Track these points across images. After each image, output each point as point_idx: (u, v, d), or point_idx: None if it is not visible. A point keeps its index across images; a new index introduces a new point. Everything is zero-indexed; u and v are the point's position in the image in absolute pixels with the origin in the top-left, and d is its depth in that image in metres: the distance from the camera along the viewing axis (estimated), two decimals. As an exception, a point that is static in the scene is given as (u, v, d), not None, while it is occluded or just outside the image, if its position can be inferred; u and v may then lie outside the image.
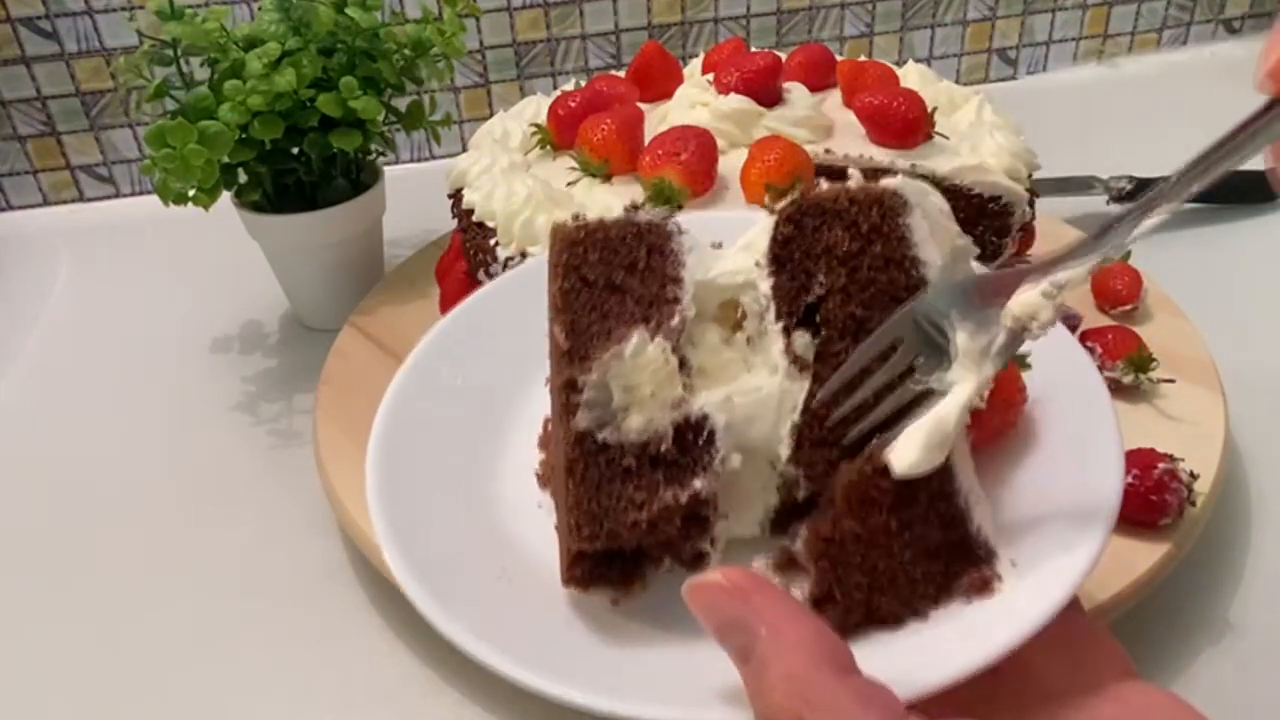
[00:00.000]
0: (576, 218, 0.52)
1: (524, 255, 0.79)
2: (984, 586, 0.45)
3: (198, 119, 0.81)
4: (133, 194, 1.30)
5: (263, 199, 0.92)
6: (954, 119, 0.88)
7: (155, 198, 0.85)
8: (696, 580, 0.40)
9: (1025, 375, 0.55)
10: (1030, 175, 0.87)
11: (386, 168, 0.99)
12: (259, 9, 0.88)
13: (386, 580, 0.64)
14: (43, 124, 1.23)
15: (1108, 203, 1.11)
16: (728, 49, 0.96)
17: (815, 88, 0.90)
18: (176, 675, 0.68)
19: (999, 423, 0.53)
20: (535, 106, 0.93)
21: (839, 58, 0.94)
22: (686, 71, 0.96)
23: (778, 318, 0.49)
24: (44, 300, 1.11)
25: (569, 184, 0.81)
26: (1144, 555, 0.64)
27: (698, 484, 0.45)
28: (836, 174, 0.79)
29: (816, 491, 0.48)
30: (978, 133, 0.86)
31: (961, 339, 0.45)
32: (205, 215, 0.87)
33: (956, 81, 1.17)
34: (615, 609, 0.47)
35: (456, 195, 0.88)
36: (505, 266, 0.80)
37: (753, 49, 0.94)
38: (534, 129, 0.88)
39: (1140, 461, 0.65)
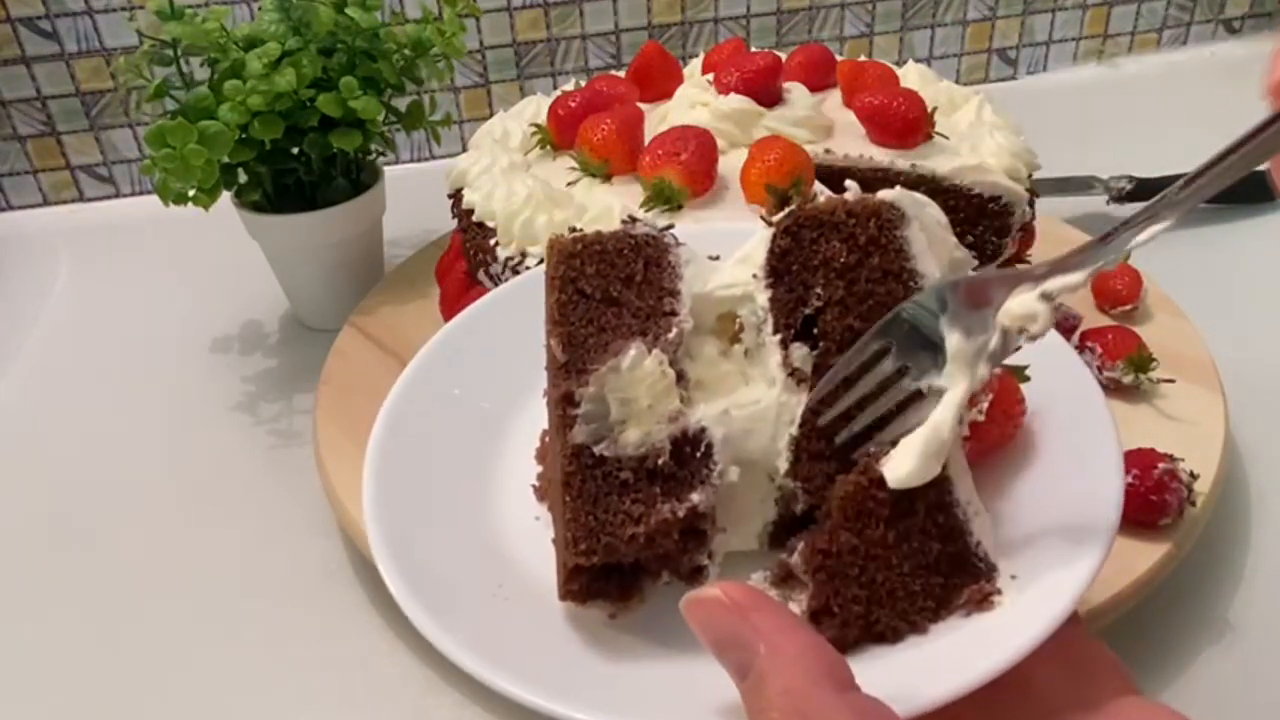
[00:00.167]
0: (573, 230, 0.51)
1: (524, 255, 0.79)
2: (984, 601, 0.45)
3: (198, 119, 0.81)
4: (133, 194, 1.30)
5: (263, 199, 0.92)
6: (954, 119, 0.88)
7: (155, 198, 0.85)
8: (694, 595, 0.40)
9: (1024, 387, 0.55)
10: (1030, 175, 0.87)
11: (386, 168, 0.99)
12: (259, 9, 0.88)
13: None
14: (43, 124, 1.23)
15: (1107, 203, 1.11)
16: (728, 49, 0.96)
17: (815, 88, 0.90)
18: (176, 675, 0.68)
19: (998, 435, 0.53)
20: (535, 106, 0.93)
21: (839, 58, 0.94)
22: (686, 71, 0.96)
23: (775, 330, 0.49)
24: (44, 300, 1.11)
25: (569, 184, 0.81)
26: (1144, 555, 0.64)
27: (695, 497, 0.45)
28: (837, 174, 0.80)
29: (815, 504, 0.48)
30: (978, 133, 0.86)
31: (954, 342, 0.45)
32: (205, 215, 0.87)
33: (956, 81, 1.17)
34: (612, 623, 0.47)
35: (456, 195, 0.88)
36: (505, 266, 0.80)
37: (753, 49, 0.94)
38: (534, 129, 0.88)
39: (1140, 461, 0.65)
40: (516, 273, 0.79)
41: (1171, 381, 0.78)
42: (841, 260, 0.49)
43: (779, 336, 0.49)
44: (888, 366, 0.47)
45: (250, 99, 0.81)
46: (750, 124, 0.84)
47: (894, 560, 0.45)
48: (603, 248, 0.51)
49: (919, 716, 0.39)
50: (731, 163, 0.80)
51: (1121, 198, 1.10)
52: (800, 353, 0.49)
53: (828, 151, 0.83)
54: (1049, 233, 0.93)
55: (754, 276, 0.50)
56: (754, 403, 0.48)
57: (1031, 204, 0.88)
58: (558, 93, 0.91)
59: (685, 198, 0.77)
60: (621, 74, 0.95)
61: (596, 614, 0.47)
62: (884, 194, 0.50)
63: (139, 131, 1.26)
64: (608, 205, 0.76)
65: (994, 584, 0.45)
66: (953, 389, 0.45)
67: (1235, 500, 0.75)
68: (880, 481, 0.45)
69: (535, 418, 0.56)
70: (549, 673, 0.44)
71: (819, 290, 0.49)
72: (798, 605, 0.45)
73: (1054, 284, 0.43)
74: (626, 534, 0.45)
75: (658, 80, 0.93)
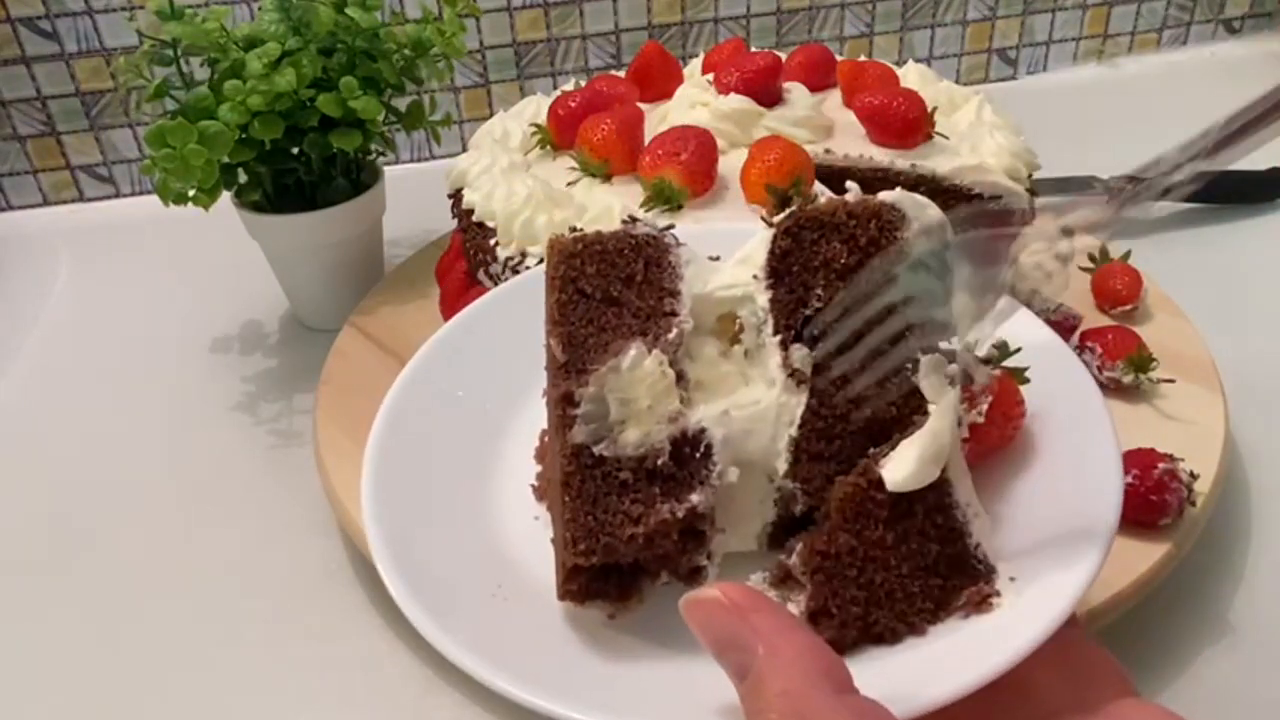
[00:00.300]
0: (574, 230, 0.51)
1: (524, 255, 0.79)
2: (983, 603, 0.45)
3: (198, 119, 0.81)
4: (133, 194, 1.30)
5: (263, 199, 0.92)
6: (954, 119, 0.88)
7: (155, 198, 0.85)
8: (693, 596, 0.40)
9: (1023, 389, 0.55)
10: (1030, 175, 0.87)
11: (386, 168, 0.99)
12: (259, 9, 0.88)
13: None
14: (43, 124, 1.23)
15: (1107, 203, 1.10)
16: (728, 49, 0.96)
17: (815, 88, 0.90)
18: (176, 675, 0.68)
19: (997, 437, 0.52)
20: (535, 106, 0.93)
21: (839, 58, 0.94)
22: (686, 71, 0.96)
23: (775, 331, 0.49)
24: (44, 300, 1.11)
25: (569, 184, 0.81)
26: (1144, 555, 0.64)
27: (694, 498, 0.45)
28: (837, 174, 0.80)
29: (814, 505, 0.48)
30: (978, 133, 0.86)
31: (961, 301, 0.45)
32: (205, 215, 0.87)
33: (956, 81, 1.17)
34: (612, 623, 0.47)
35: (456, 195, 0.88)
36: (505, 266, 0.80)
37: (753, 49, 0.94)
38: (534, 129, 0.88)
39: (1140, 461, 0.65)
40: (516, 273, 0.79)
41: (1171, 381, 0.77)
42: (842, 261, 0.49)
43: (779, 337, 0.49)
44: (893, 323, 0.46)
45: (250, 99, 0.81)
46: (750, 124, 0.85)
47: (893, 562, 0.45)
48: (603, 248, 0.51)
49: (917, 718, 0.39)
50: (731, 163, 0.80)
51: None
52: (800, 354, 0.49)
53: (828, 151, 0.83)
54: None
55: (754, 277, 0.50)
56: (754, 403, 0.48)
57: (1031, 204, 0.88)
58: (558, 93, 0.91)
59: (685, 198, 0.77)
60: (621, 74, 0.95)
61: (595, 614, 0.47)
62: (884, 195, 0.50)
63: (139, 131, 1.25)
64: (608, 205, 0.76)
65: (993, 586, 0.45)
66: (947, 396, 0.45)
67: (1235, 500, 0.75)
68: (879, 483, 0.45)
69: (535, 417, 0.56)
70: (548, 673, 0.44)
71: (819, 291, 0.49)
72: (796, 606, 0.45)
73: (1071, 243, 0.42)
74: (625, 534, 0.45)
75: (658, 80, 0.93)
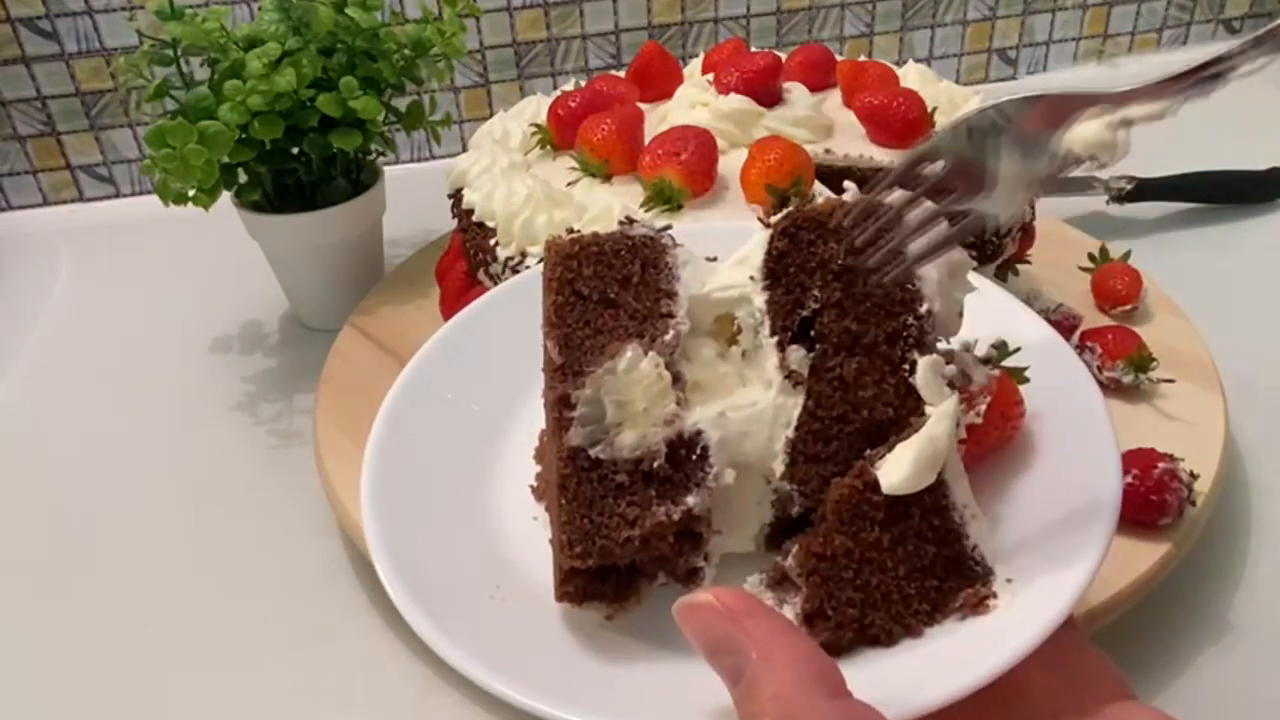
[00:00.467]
0: (571, 231, 0.51)
1: (524, 255, 0.79)
2: (979, 604, 0.45)
3: (198, 119, 0.81)
4: (133, 194, 1.30)
5: (263, 199, 0.92)
6: (954, 119, 0.88)
7: (155, 198, 0.85)
8: (688, 601, 0.40)
9: (1022, 389, 0.54)
10: (1030, 175, 0.87)
11: (386, 168, 0.99)
12: (259, 9, 0.88)
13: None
14: (43, 124, 1.23)
15: (1107, 203, 1.11)
16: (728, 49, 0.96)
17: (815, 88, 0.90)
18: (176, 675, 0.68)
19: (996, 437, 0.52)
20: (535, 106, 0.93)
21: (839, 58, 0.94)
22: (686, 71, 0.96)
23: (772, 332, 0.49)
24: (44, 300, 1.11)
25: (569, 184, 0.81)
26: (1144, 555, 0.64)
27: (691, 500, 0.45)
28: (837, 174, 0.80)
29: (811, 507, 0.48)
30: (978, 133, 0.85)
31: (1007, 163, 0.43)
32: (205, 215, 0.87)
33: (956, 81, 1.17)
34: (609, 624, 0.47)
35: (456, 195, 0.88)
36: (505, 266, 0.80)
37: (753, 49, 0.94)
38: (534, 129, 0.88)
39: (1140, 461, 0.65)
40: (516, 273, 0.79)
41: (1171, 381, 0.77)
42: (839, 262, 0.49)
43: (776, 339, 0.49)
44: (937, 168, 0.44)
45: (250, 99, 0.81)
46: (750, 124, 0.84)
47: (889, 563, 0.45)
48: (600, 249, 0.51)
49: None
50: (731, 163, 0.80)
51: (1121, 198, 1.10)
52: (797, 355, 0.49)
53: (828, 151, 0.83)
54: (1049, 233, 0.93)
55: (751, 278, 0.50)
56: (751, 405, 0.48)
57: (1031, 204, 0.88)
58: (558, 93, 0.91)
59: (685, 198, 0.77)
60: (621, 74, 0.95)
61: (593, 615, 0.47)
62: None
63: (139, 131, 1.26)
64: (608, 205, 0.76)
65: (990, 587, 0.45)
66: (946, 402, 0.45)
67: (1235, 500, 0.75)
68: (875, 485, 0.45)
69: (534, 418, 0.56)
70: (545, 675, 0.44)
71: (816, 292, 0.49)
72: (792, 608, 0.45)
73: (1134, 111, 0.40)
74: (622, 537, 0.45)
75: (658, 80, 0.92)
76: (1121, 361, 0.77)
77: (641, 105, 0.88)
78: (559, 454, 0.46)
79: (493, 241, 0.81)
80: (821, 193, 0.76)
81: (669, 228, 0.52)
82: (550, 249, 0.51)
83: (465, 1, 0.93)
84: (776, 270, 0.50)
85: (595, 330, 0.49)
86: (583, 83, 0.93)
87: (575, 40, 1.31)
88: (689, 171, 0.76)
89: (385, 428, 0.56)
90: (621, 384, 0.46)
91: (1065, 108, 0.42)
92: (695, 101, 0.87)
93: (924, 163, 0.45)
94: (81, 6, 1.17)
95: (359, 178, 0.96)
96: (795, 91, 0.88)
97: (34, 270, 1.16)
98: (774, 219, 0.50)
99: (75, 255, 1.19)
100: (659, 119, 0.87)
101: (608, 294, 0.50)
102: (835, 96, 0.92)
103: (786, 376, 0.48)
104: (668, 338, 0.48)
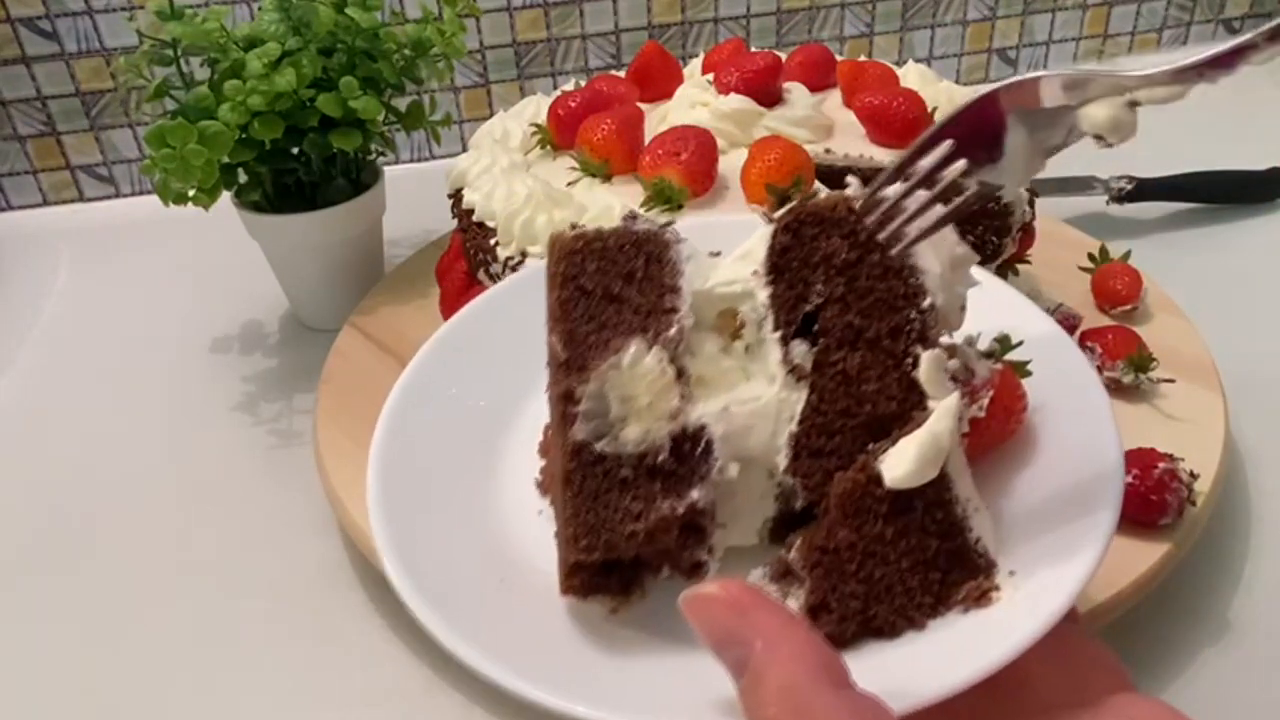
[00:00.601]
0: (574, 227, 0.51)
1: (524, 255, 0.79)
2: (982, 597, 0.45)
3: (198, 119, 0.81)
4: (133, 194, 1.30)
5: (263, 199, 0.92)
6: (954, 119, 0.88)
7: (155, 198, 0.85)
8: (693, 593, 0.40)
9: (1025, 383, 0.54)
10: (1030, 175, 0.87)
11: (386, 168, 0.99)
12: (259, 9, 0.88)
13: (386, 580, 0.64)
14: (43, 124, 1.23)
15: (1107, 203, 1.11)
16: (728, 49, 0.96)
17: (815, 88, 0.90)
18: (176, 675, 0.68)
19: (999, 431, 0.52)
20: (535, 106, 0.93)
21: (839, 58, 0.94)
22: (686, 71, 0.96)
23: (776, 327, 0.49)
24: (44, 300, 1.11)
25: (569, 184, 0.81)
26: (1144, 555, 0.64)
27: (695, 494, 0.45)
28: (837, 174, 0.80)
29: (814, 501, 0.48)
30: (978, 133, 0.85)
31: (1017, 136, 0.44)
32: (205, 215, 0.87)
33: (956, 81, 1.17)
34: (614, 617, 0.47)
35: (456, 195, 0.88)
36: (505, 266, 0.80)
37: (753, 49, 0.94)
38: (534, 129, 0.88)
39: (1140, 461, 0.65)
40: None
41: (1171, 381, 0.77)
42: (842, 257, 0.49)
43: (779, 333, 0.49)
44: (945, 146, 0.45)
45: (250, 99, 0.81)
46: (750, 124, 0.84)
47: (892, 556, 0.45)
48: (603, 244, 0.51)
49: (916, 712, 0.39)
50: (731, 163, 0.80)
51: (1121, 198, 1.10)
52: (800, 349, 0.49)
53: (828, 151, 0.83)
54: (1049, 233, 0.93)
55: (754, 273, 0.50)
56: (754, 399, 0.48)
57: (1031, 204, 0.88)
58: (558, 93, 0.91)
59: (685, 198, 0.77)
60: (621, 74, 0.95)
61: (597, 609, 0.47)
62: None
63: (139, 131, 1.26)
64: (608, 205, 0.76)
65: (992, 580, 0.45)
66: (949, 398, 0.45)
67: (1235, 500, 0.75)
68: (878, 479, 0.45)
69: (538, 412, 0.56)
70: (550, 668, 0.44)
71: (819, 287, 0.49)
72: (796, 601, 0.45)
73: (1146, 92, 0.41)
74: (626, 531, 0.45)
75: (658, 80, 0.92)
76: (1121, 361, 0.77)
77: (641, 105, 0.88)
78: (564, 449, 0.46)
79: (493, 241, 0.81)
80: (821, 192, 0.76)
81: (672, 223, 0.52)
82: (554, 244, 0.51)
83: (465, 1, 0.93)
84: (780, 265, 0.50)
85: (599, 325, 0.49)
86: (583, 83, 0.93)
87: (575, 40, 1.31)
88: (689, 171, 0.77)
89: (389, 423, 0.56)
90: (626, 379, 0.46)
91: (1080, 86, 0.42)
92: (695, 101, 0.87)
93: (934, 144, 0.46)
94: (81, 6, 1.17)
95: (359, 178, 0.96)
96: (795, 91, 0.88)
97: (34, 270, 1.16)
98: (777, 214, 0.50)
99: (75, 255, 1.19)
100: (659, 119, 0.87)
101: (611, 289, 0.50)
102: (835, 96, 0.92)
103: (790, 371, 0.48)
104: (671, 333, 0.48)
